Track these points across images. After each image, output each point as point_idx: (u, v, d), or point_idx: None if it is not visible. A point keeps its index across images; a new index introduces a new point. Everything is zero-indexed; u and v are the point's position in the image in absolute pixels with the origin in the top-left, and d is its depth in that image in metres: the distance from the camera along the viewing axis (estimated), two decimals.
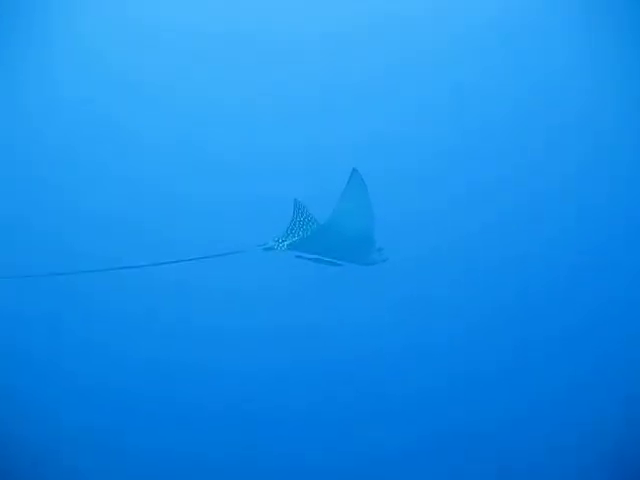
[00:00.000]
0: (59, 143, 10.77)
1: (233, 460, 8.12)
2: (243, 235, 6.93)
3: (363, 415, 8.44)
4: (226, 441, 8.27)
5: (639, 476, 7.68)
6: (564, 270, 9.81)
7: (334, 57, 11.45)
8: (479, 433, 8.35)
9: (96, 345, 8.96)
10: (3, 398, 8.19)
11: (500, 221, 10.25)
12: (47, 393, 8.41)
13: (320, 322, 8.89)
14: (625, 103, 10.28)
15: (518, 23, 11.02)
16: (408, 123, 11.13)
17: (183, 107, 11.19)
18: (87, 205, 10.28)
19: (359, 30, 11.45)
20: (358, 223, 6.24)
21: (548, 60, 10.92)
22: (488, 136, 10.98)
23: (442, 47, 11.33)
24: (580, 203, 10.36)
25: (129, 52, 11.31)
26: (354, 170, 5.82)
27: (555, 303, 9.53)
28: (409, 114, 11.20)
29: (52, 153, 10.69)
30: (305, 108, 11.19)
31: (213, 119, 11.14)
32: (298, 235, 6.70)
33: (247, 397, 8.57)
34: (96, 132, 10.86)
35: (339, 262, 6.68)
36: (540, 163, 10.63)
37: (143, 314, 9.17)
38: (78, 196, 10.41)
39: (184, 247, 7.26)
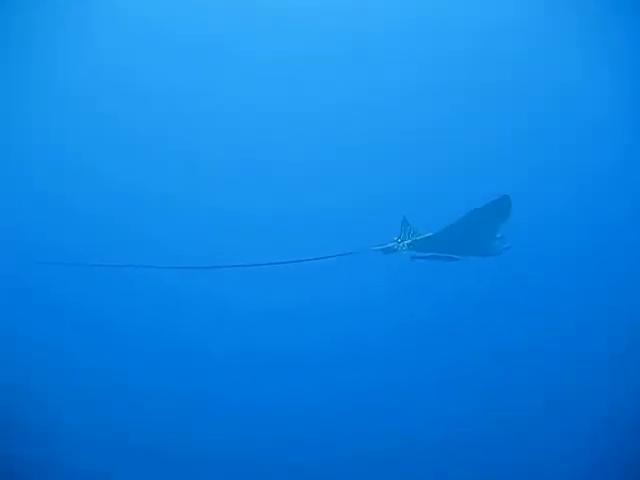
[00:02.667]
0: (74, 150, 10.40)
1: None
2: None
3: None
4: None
5: None
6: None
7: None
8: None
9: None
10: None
11: None
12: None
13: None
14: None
15: (532, 26, 11.03)
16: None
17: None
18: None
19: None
20: (487, 217, 6.13)
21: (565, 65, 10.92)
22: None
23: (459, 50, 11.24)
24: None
25: (134, 51, 10.76)
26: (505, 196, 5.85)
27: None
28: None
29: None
30: None
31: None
32: (417, 234, 6.52)
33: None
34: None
35: (456, 256, 6.56)
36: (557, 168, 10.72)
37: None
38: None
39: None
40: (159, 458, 8.19)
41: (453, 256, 6.53)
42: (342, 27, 10.93)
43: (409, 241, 6.46)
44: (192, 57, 10.84)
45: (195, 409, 8.61)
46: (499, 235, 6.54)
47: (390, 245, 6.47)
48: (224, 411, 8.56)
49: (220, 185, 10.31)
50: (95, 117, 10.55)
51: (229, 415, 8.50)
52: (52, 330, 8.95)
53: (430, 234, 6.45)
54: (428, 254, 6.48)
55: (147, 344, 9.07)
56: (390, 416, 8.70)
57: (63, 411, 8.30)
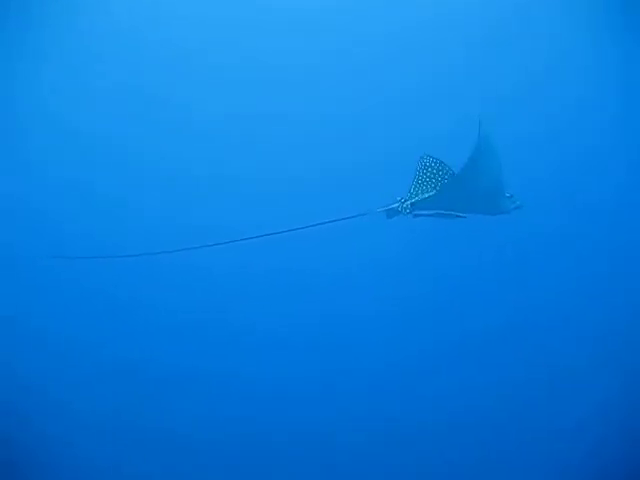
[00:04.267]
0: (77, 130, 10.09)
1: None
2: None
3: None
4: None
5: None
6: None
7: None
8: None
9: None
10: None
11: None
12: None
13: None
14: None
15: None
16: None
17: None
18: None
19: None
20: (488, 172, 5.83)
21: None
22: None
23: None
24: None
25: (150, 38, 10.44)
26: (481, 122, 5.39)
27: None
28: None
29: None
30: None
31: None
32: (423, 193, 6.25)
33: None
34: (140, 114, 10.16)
35: (463, 214, 6.30)
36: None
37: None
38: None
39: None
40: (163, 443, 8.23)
41: (459, 214, 6.30)
42: None
43: (413, 200, 6.21)
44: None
45: (199, 391, 8.60)
46: (508, 194, 6.33)
47: (393, 206, 6.21)
48: (231, 392, 8.56)
49: (215, 150, 10.04)
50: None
51: (236, 396, 8.49)
52: (54, 317, 8.87)
53: (433, 192, 6.22)
54: (432, 212, 6.25)
55: (149, 327, 8.98)
56: (395, 392, 8.69)
57: (70, 401, 8.28)
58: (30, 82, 9.55)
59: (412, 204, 6.19)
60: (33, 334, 8.56)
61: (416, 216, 6.23)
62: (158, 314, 9.12)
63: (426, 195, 6.21)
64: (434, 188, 6.26)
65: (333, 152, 9.79)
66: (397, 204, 6.20)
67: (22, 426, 7.78)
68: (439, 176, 6.33)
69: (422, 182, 6.37)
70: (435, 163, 6.39)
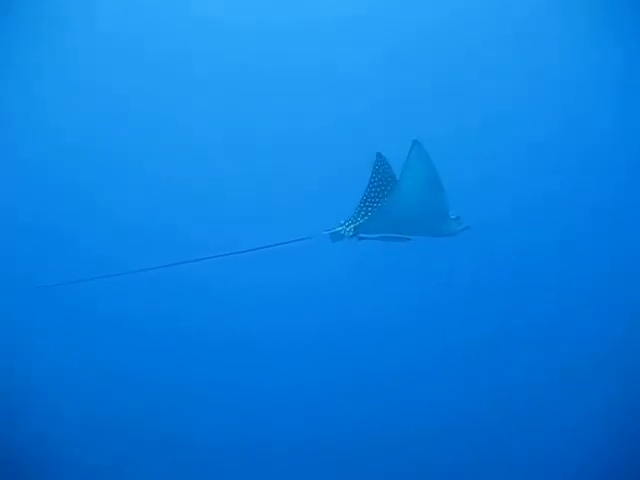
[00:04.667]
0: (74, 140, 10.20)
1: None
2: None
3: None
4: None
5: None
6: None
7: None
8: None
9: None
10: None
11: None
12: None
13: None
14: None
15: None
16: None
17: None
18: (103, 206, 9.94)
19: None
20: (427, 193, 5.82)
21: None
22: None
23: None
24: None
25: (159, 40, 10.65)
26: (415, 142, 5.39)
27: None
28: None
29: (67, 151, 10.11)
30: None
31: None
32: (365, 216, 6.34)
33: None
34: (117, 127, 10.32)
35: (407, 237, 6.33)
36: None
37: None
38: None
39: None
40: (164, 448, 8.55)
41: (404, 236, 6.33)
42: None
43: (357, 223, 6.30)
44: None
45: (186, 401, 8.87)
46: (454, 216, 6.29)
47: (337, 230, 6.33)
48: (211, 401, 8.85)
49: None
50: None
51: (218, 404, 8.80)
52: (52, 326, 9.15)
53: (375, 214, 6.27)
54: (377, 235, 6.31)
55: (140, 338, 9.23)
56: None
57: (66, 407, 8.60)
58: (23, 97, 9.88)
59: (355, 227, 6.28)
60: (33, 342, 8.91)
61: (360, 239, 6.31)
62: (155, 325, 9.37)
63: (368, 217, 6.29)
64: (376, 207, 6.32)
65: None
66: (341, 227, 6.32)
67: (22, 429, 8.20)
68: (384, 189, 6.40)
69: (368, 200, 6.46)
70: (385, 166, 6.46)
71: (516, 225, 9.58)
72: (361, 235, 6.29)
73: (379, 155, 6.62)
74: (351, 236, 6.29)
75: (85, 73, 10.23)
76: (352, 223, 6.35)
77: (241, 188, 9.78)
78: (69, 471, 8.27)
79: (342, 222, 6.37)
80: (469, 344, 8.92)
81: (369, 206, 6.46)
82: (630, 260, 9.44)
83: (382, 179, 6.55)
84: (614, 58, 9.83)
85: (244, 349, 8.92)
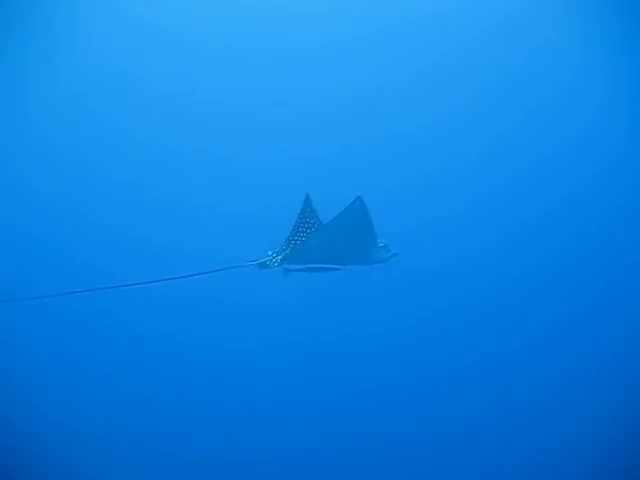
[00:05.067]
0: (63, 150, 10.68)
1: None
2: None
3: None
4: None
5: None
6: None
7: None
8: None
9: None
10: None
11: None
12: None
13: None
14: None
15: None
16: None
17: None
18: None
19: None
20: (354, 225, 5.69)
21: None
22: None
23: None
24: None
25: (143, 56, 11.11)
26: (358, 198, 5.38)
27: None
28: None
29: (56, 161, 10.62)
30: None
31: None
32: (292, 246, 6.26)
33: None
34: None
35: (336, 266, 6.19)
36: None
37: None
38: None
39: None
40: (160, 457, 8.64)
41: (331, 266, 6.19)
42: None
43: (283, 255, 6.21)
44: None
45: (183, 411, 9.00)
46: (382, 243, 6.13)
47: (264, 260, 6.27)
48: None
49: None
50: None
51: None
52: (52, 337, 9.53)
53: (300, 245, 6.18)
54: (303, 266, 6.19)
55: (140, 349, 9.49)
56: None
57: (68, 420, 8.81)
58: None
59: (282, 259, 6.20)
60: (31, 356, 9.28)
61: (287, 271, 6.22)
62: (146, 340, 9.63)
63: (293, 247, 6.20)
64: (303, 239, 6.24)
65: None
66: (268, 258, 6.25)
67: (23, 443, 8.41)
68: (310, 226, 6.32)
69: (297, 233, 6.37)
70: (311, 210, 6.40)
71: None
72: (287, 267, 6.20)
73: (307, 197, 6.57)
74: (276, 266, 6.21)
75: (75, 86, 10.74)
76: (280, 254, 6.27)
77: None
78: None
79: (269, 253, 6.29)
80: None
81: (297, 238, 6.38)
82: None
83: (310, 217, 6.50)
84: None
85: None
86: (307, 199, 6.49)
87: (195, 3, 11.15)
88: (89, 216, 10.33)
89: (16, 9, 9.98)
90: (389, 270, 6.28)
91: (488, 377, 8.96)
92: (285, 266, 6.16)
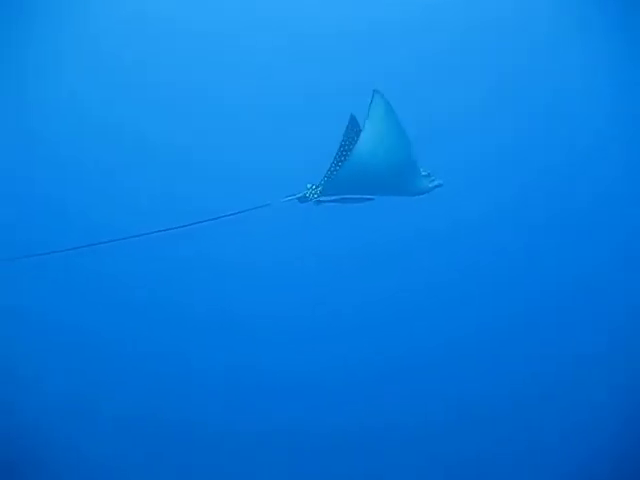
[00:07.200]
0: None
1: None
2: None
3: None
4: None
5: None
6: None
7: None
8: None
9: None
10: None
11: None
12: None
13: None
14: None
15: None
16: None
17: None
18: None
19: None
20: (392, 147, 5.57)
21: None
22: None
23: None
24: None
25: (137, 50, 11.05)
26: (375, 91, 5.22)
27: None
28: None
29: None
30: None
31: None
32: (328, 176, 6.14)
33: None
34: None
35: (370, 197, 6.08)
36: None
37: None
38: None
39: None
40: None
41: (366, 197, 6.07)
42: None
43: (322, 187, 6.09)
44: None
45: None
46: (424, 172, 6.03)
47: (302, 193, 6.12)
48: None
49: None
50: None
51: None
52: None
53: (333, 175, 6.03)
54: (337, 197, 6.06)
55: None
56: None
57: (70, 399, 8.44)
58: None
59: (321, 190, 6.09)
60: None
61: (319, 203, 6.09)
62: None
63: (327, 179, 6.09)
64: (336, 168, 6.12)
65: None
66: (307, 190, 6.13)
67: (23, 426, 8.00)
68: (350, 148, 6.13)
69: (334, 163, 6.24)
70: (357, 131, 6.10)
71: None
72: (320, 199, 6.07)
73: (352, 117, 6.38)
74: (316, 198, 6.09)
75: (74, 79, 10.63)
76: (319, 186, 6.16)
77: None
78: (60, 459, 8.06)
79: (309, 185, 6.17)
80: (464, 336, 8.61)
81: (332, 168, 6.27)
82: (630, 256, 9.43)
83: (352, 140, 6.30)
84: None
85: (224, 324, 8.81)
86: (352, 119, 6.35)
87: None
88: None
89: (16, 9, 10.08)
90: None
91: (487, 348, 8.98)
92: (319, 198, 6.06)
